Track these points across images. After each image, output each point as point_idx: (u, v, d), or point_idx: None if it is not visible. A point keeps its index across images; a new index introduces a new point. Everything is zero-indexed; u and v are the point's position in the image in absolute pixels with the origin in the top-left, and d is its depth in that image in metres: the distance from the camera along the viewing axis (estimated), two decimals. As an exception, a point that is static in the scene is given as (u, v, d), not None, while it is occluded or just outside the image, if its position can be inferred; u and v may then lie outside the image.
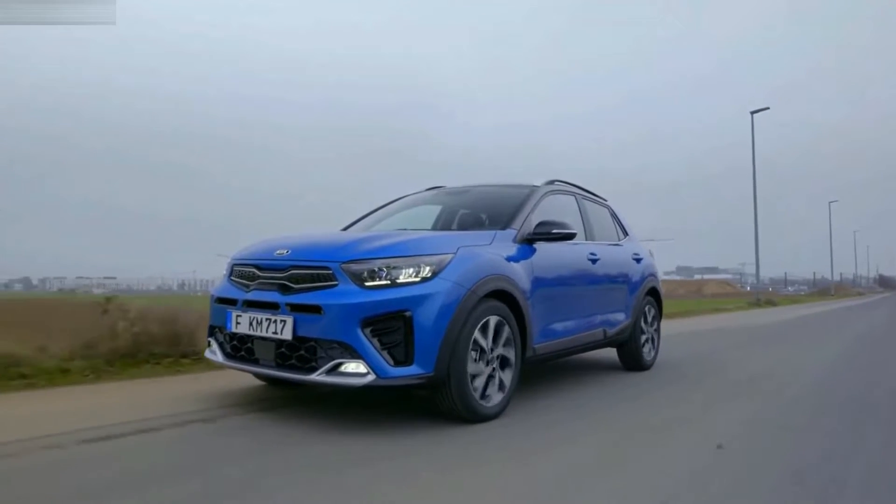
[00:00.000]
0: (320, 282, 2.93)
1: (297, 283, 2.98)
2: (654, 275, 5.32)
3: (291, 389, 3.76)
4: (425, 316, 2.82)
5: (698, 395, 4.04)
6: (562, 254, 3.96)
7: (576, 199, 4.67)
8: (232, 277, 3.36)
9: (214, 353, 3.33)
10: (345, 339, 2.77)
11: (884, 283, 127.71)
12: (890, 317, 15.18)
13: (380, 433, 2.84)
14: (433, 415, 3.09)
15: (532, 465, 2.44)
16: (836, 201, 54.93)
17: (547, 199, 4.16)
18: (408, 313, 2.80)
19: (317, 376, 2.82)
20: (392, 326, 2.80)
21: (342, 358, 2.79)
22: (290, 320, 2.88)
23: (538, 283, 3.60)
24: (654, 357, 5.23)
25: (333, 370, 2.79)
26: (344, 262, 2.92)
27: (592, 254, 4.36)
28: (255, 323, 3.02)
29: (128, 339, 4.47)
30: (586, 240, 4.47)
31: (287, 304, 2.92)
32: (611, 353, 5.24)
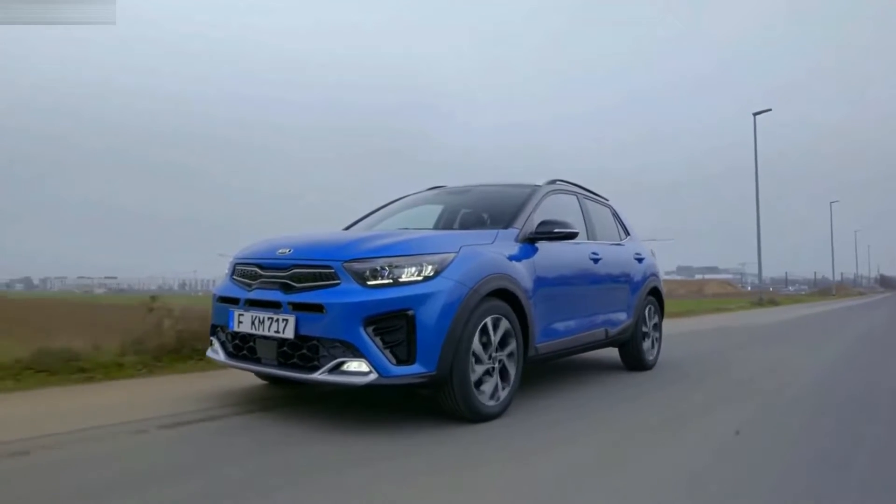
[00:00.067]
0: (322, 281, 2.93)
1: (300, 282, 2.98)
2: (655, 274, 5.32)
3: (293, 388, 3.76)
4: (428, 315, 2.82)
5: (699, 395, 4.03)
6: (564, 253, 3.96)
7: (577, 198, 4.67)
8: (234, 276, 3.36)
9: (216, 353, 3.33)
10: (347, 338, 2.77)
11: (885, 283, 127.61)
12: (890, 317, 15.16)
13: (381, 433, 2.84)
14: (435, 414, 3.10)
15: (533, 464, 2.44)
16: (837, 201, 54.92)
17: (549, 198, 4.16)
18: (410, 312, 2.80)
19: (319, 375, 2.82)
20: (394, 325, 2.80)
21: (344, 357, 2.79)
22: (292, 319, 2.88)
23: (540, 282, 3.60)
24: (656, 357, 5.23)
25: (335, 369, 2.79)
26: (346, 261, 2.92)
27: (594, 253, 4.36)
28: (257, 322, 3.02)
29: (172, 336, 4.69)
30: (588, 239, 4.47)
31: (289, 303, 2.93)
32: (612, 353, 5.24)
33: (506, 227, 3.64)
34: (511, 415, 3.22)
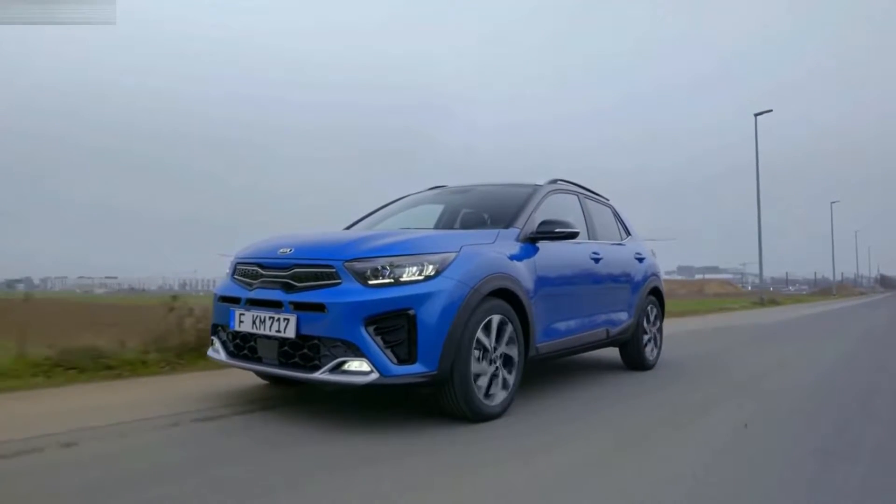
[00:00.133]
0: (324, 280, 2.93)
1: (301, 281, 2.98)
2: (656, 274, 5.31)
3: (294, 388, 3.76)
4: (429, 314, 2.82)
5: (699, 395, 4.03)
6: (564, 253, 3.96)
7: (578, 198, 4.66)
8: (235, 276, 3.36)
9: (217, 352, 3.33)
10: (348, 338, 2.77)
11: (885, 283, 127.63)
12: (891, 317, 15.18)
13: (382, 432, 2.84)
14: (436, 414, 3.09)
15: (534, 464, 2.44)
16: (837, 202, 54.89)
17: (549, 198, 4.15)
18: (411, 312, 2.80)
19: (320, 375, 2.82)
20: (395, 325, 2.80)
21: (345, 356, 2.79)
22: (293, 318, 2.88)
23: (541, 282, 3.60)
24: (657, 357, 5.23)
25: (336, 368, 2.79)
26: (347, 261, 2.92)
27: (595, 253, 4.35)
28: (258, 321, 3.02)
29: (193, 335, 4.78)
30: (589, 239, 4.47)
31: (290, 303, 2.92)
32: (613, 353, 5.24)
33: (507, 227, 3.63)
34: (512, 414, 3.22)
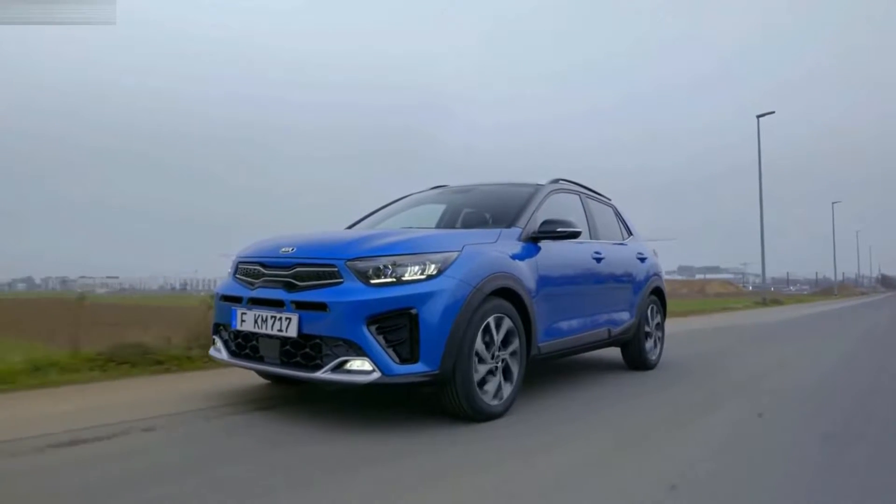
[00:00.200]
0: (325, 279, 2.93)
1: (303, 280, 2.98)
2: (658, 274, 5.31)
3: (295, 387, 3.76)
4: (431, 313, 2.82)
5: (700, 395, 4.02)
6: (566, 252, 3.95)
7: (580, 198, 4.66)
8: (237, 275, 3.36)
9: (219, 351, 3.33)
10: (350, 337, 2.76)
11: (886, 283, 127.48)
12: (892, 317, 15.17)
13: (383, 432, 2.83)
14: (437, 413, 3.09)
15: (535, 463, 2.44)
16: (839, 202, 54.87)
17: (551, 197, 4.15)
18: (413, 311, 2.80)
19: (322, 374, 2.81)
20: (397, 324, 2.79)
21: (347, 355, 2.78)
22: (295, 318, 2.87)
23: (543, 281, 3.60)
24: (659, 356, 5.23)
25: (338, 368, 2.79)
26: (349, 260, 2.91)
27: (597, 253, 4.35)
28: (259, 320, 3.01)
29: None
30: (591, 239, 4.46)
31: (292, 302, 2.92)
32: (614, 353, 5.23)
33: (509, 227, 3.63)
34: (513, 414, 3.22)
